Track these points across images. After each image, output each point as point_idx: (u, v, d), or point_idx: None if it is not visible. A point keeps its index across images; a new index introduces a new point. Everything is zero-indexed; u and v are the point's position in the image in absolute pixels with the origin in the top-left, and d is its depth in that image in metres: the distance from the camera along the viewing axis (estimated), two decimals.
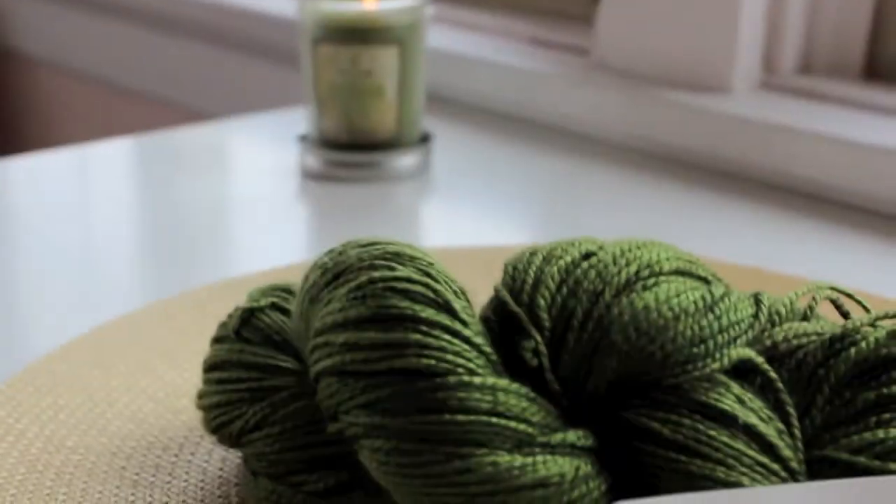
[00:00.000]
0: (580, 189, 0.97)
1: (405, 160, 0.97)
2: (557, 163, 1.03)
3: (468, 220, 0.91)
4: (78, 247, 0.85)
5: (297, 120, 1.08)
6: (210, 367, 0.51)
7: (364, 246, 0.46)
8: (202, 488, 0.53)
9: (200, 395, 0.51)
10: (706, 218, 0.90)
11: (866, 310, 0.46)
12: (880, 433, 0.42)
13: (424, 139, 0.99)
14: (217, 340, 0.52)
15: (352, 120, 0.95)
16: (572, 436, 0.41)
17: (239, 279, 0.74)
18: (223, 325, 0.52)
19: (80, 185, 1.00)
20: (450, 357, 0.41)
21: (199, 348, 0.54)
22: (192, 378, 0.61)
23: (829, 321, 0.46)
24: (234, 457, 0.55)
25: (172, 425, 0.58)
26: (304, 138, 1.00)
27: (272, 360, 0.49)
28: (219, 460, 0.55)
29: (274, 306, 0.52)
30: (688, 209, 0.91)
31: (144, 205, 0.95)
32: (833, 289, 0.47)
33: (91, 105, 1.65)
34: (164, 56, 1.51)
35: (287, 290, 0.53)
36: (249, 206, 0.94)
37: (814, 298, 0.47)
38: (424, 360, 0.40)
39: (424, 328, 0.41)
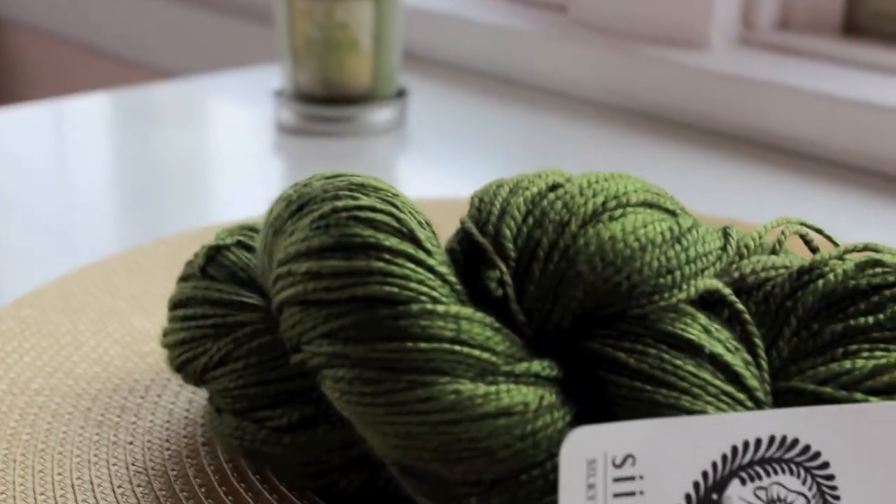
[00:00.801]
0: (556, 145, 0.96)
1: (381, 114, 0.96)
2: (534, 119, 1.02)
3: (443, 175, 0.90)
4: (53, 197, 0.84)
5: (275, 76, 1.07)
6: (175, 304, 0.50)
7: (329, 178, 0.45)
8: (168, 429, 0.52)
9: (165, 333, 0.50)
10: (682, 173, 0.89)
11: (835, 245, 0.46)
12: (847, 364, 0.41)
13: (400, 94, 0.98)
14: (183, 279, 0.51)
15: (327, 74, 0.94)
16: (537, 366, 0.41)
17: (210, 228, 0.73)
18: (189, 264, 0.52)
19: (56, 139, 0.99)
20: (413, 285, 0.40)
21: (169, 294, 0.54)
22: (160, 323, 0.60)
23: (797, 255, 0.46)
24: (200, 398, 0.55)
25: (139, 368, 0.57)
26: (279, 93, 0.99)
27: (237, 297, 0.48)
28: (185, 402, 0.54)
29: (240, 244, 0.51)
30: (665, 165, 0.90)
31: (120, 158, 0.94)
32: (803, 224, 0.47)
33: (65, 65, 1.63)
34: (139, 16, 1.49)
35: (253, 229, 0.52)
36: (225, 160, 0.93)
37: (783, 233, 0.46)
38: (387, 288, 0.40)
39: (387, 256, 0.41)
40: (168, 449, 0.51)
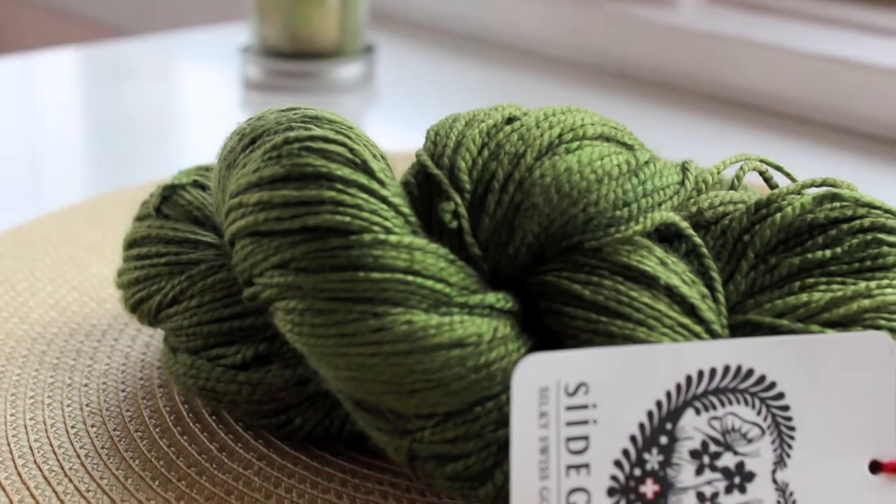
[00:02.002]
0: (525, 102, 0.95)
1: (348, 70, 0.95)
2: (502, 76, 1.01)
3: (412, 131, 0.89)
4: (20, 151, 0.83)
5: (243, 33, 1.06)
6: (129, 244, 0.50)
7: (283, 110, 0.44)
8: (123, 371, 0.52)
9: (119, 273, 0.50)
10: (652, 130, 0.89)
11: (794, 181, 0.45)
12: (803, 297, 0.41)
13: (368, 50, 0.97)
14: (138, 218, 0.51)
15: (294, 28, 0.93)
16: (492, 297, 0.40)
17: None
18: (145, 204, 0.51)
19: (24, 93, 0.98)
20: (365, 215, 0.40)
21: None
22: None
23: (756, 191, 0.46)
24: (158, 342, 0.54)
25: (96, 313, 0.57)
26: (246, 49, 0.98)
27: (192, 235, 0.48)
28: (142, 345, 0.54)
29: (196, 184, 0.50)
30: (634, 122, 0.89)
31: (88, 113, 0.93)
32: (762, 160, 0.46)
33: (35, 27, 1.61)
34: None
35: (210, 169, 0.51)
36: (192, 116, 0.92)
37: (741, 168, 0.46)
38: (339, 217, 0.39)
39: (340, 186, 0.40)
40: (123, 391, 0.50)
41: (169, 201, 0.50)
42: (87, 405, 0.49)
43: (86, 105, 0.95)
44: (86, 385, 0.50)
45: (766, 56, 0.91)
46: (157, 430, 0.47)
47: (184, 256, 0.47)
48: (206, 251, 0.47)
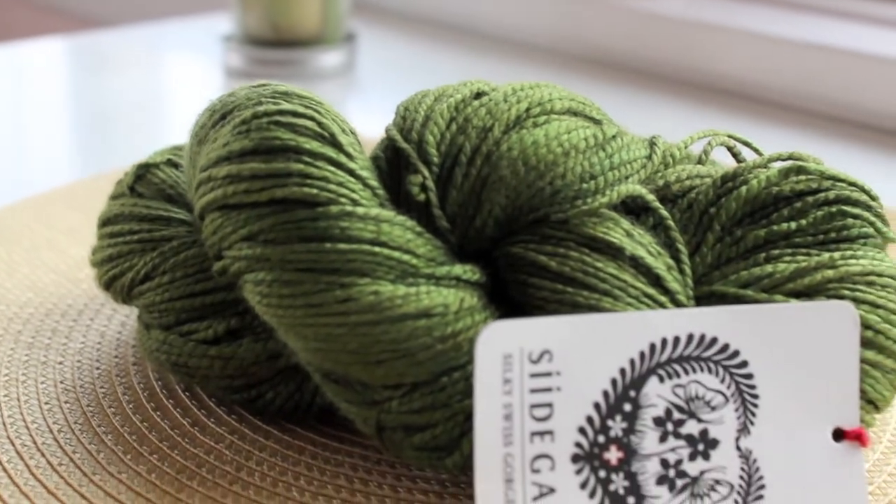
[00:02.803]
0: None
1: (329, 58, 0.96)
2: (484, 65, 1.02)
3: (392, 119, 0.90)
4: (5, 138, 0.84)
5: (226, 23, 1.06)
6: (103, 222, 0.50)
7: (254, 87, 0.45)
8: (99, 350, 0.52)
9: (94, 251, 0.50)
10: (633, 117, 0.89)
11: (760, 156, 0.46)
12: (768, 268, 0.42)
13: (349, 38, 0.97)
14: (112, 197, 0.51)
15: (275, 17, 0.94)
16: (458, 269, 0.40)
17: None
18: (119, 183, 0.51)
19: (9, 82, 0.98)
20: (333, 187, 0.40)
21: None
22: None
23: (723, 166, 0.46)
24: (133, 321, 0.54)
25: (73, 294, 0.57)
26: (228, 38, 0.98)
27: (164, 212, 0.48)
28: (118, 325, 0.54)
29: (169, 162, 0.51)
30: (615, 110, 0.90)
31: (70, 102, 0.94)
32: (730, 136, 0.47)
33: (20, 21, 1.61)
34: None
35: (183, 148, 0.52)
36: (173, 104, 0.93)
37: (709, 143, 0.46)
38: (306, 189, 0.40)
39: (307, 159, 0.40)
40: (98, 368, 0.50)
41: (143, 180, 0.50)
42: (61, 382, 0.49)
43: (70, 94, 0.95)
44: (60, 363, 0.51)
45: (746, 43, 0.91)
46: (131, 406, 0.47)
47: (156, 233, 0.47)
48: (179, 228, 0.47)
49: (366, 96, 0.94)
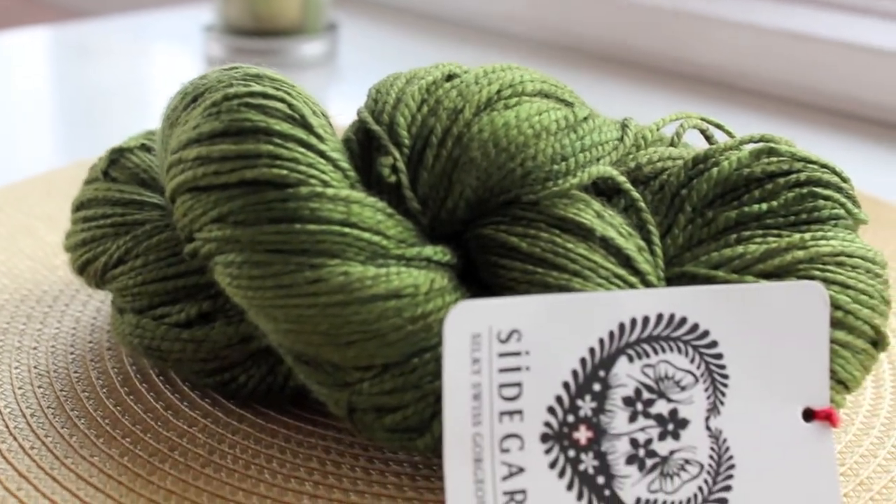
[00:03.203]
0: None
1: (311, 48, 0.95)
2: (464, 54, 1.02)
3: None
4: None
5: (208, 14, 1.06)
6: (77, 206, 0.50)
7: (226, 69, 0.45)
8: (73, 335, 0.52)
9: (68, 236, 0.50)
10: (613, 107, 0.89)
11: (732, 138, 0.46)
12: (739, 249, 0.42)
13: (331, 27, 0.97)
14: (87, 182, 0.51)
15: (256, 6, 0.94)
16: (429, 250, 0.40)
17: None
18: (93, 168, 0.51)
19: None
20: (302, 168, 0.40)
21: None
22: None
23: (695, 148, 0.46)
24: (108, 307, 0.54)
25: (48, 280, 0.57)
26: (209, 28, 0.98)
27: (137, 197, 0.48)
28: (93, 311, 0.54)
29: (143, 147, 0.51)
30: (595, 99, 0.90)
31: (52, 92, 0.93)
32: (703, 118, 0.47)
33: (2, 12, 1.61)
34: None
35: None
36: (155, 93, 0.92)
37: (681, 126, 0.46)
38: (276, 171, 0.40)
39: (277, 140, 0.40)
40: (72, 353, 0.50)
41: (116, 164, 0.50)
42: (34, 367, 0.49)
43: (53, 83, 0.95)
44: (34, 348, 0.50)
45: (726, 31, 0.91)
46: (104, 390, 0.47)
47: (129, 217, 0.47)
48: (152, 212, 0.47)
49: (347, 86, 0.94)
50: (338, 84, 0.95)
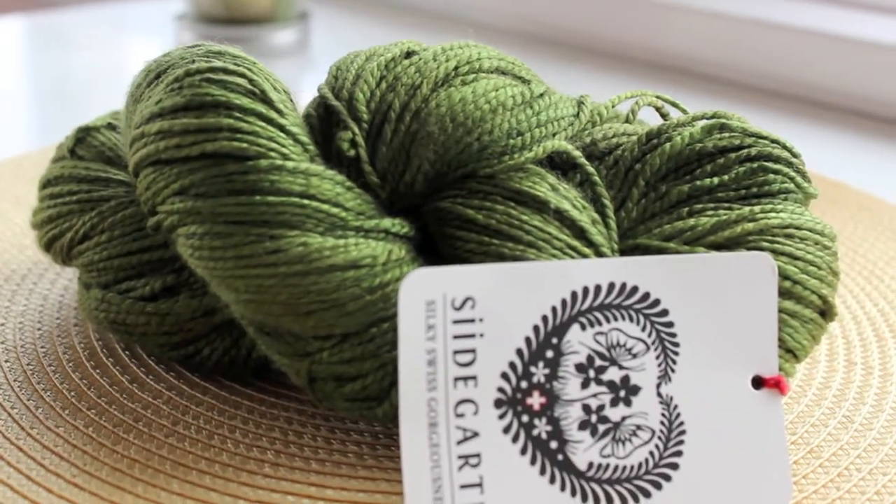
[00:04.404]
0: None
1: (283, 36, 0.96)
2: (436, 43, 1.02)
3: None
4: None
5: (180, 3, 1.06)
6: (44, 184, 0.50)
7: (189, 47, 0.45)
8: (41, 312, 0.52)
9: (34, 213, 0.50)
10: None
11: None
12: (690, 221, 0.43)
13: (303, 16, 0.98)
14: (54, 160, 0.51)
15: None
16: (387, 222, 0.41)
17: None
18: (60, 146, 0.52)
19: None
20: (262, 141, 0.41)
21: None
22: None
23: (649, 125, 0.47)
24: (76, 285, 0.55)
25: (17, 259, 0.57)
26: (181, 17, 0.98)
27: (103, 174, 0.49)
28: (61, 289, 0.55)
29: (109, 126, 0.51)
30: (570, 89, 0.91)
31: (23, 80, 0.94)
32: (658, 96, 0.48)
33: None
34: None
35: None
36: (125, 81, 0.93)
37: (636, 103, 0.47)
38: (236, 144, 0.40)
39: (238, 114, 0.41)
40: (39, 329, 0.51)
41: (83, 143, 0.50)
42: (1, 342, 0.49)
43: (26, 72, 0.96)
44: (1, 324, 0.51)
45: (693, 19, 0.93)
46: (70, 364, 0.48)
47: (95, 194, 0.48)
48: (118, 188, 0.48)
49: (320, 74, 0.94)
50: (310, 72, 0.95)
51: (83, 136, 0.51)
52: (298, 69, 0.96)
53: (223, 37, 0.93)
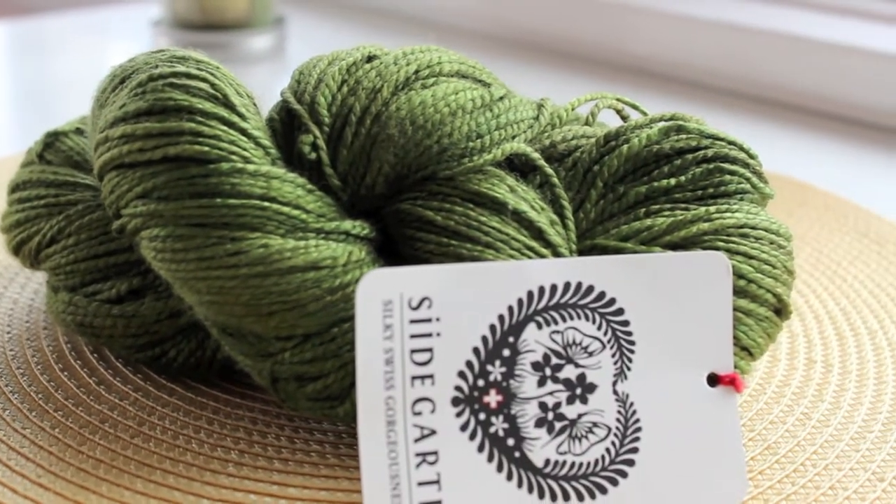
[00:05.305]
0: None
1: (259, 41, 0.97)
2: None
3: None
4: None
5: (157, 9, 1.07)
6: (12, 188, 0.51)
7: (154, 52, 0.46)
8: (10, 315, 0.53)
9: (3, 217, 0.51)
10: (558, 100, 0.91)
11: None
12: (647, 222, 0.43)
13: (279, 21, 0.98)
14: (23, 165, 0.52)
15: (203, 0, 0.95)
16: (348, 224, 0.42)
17: None
18: (29, 151, 0.52)
19: None
20: (224, 145, 0.41)
21: None
22: None
23: (608, 126, 0.48)
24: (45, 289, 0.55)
25: None
26: (157, 22, 0.99)
27: (71, 178, 0.49)
28: (31, 293, 0.55)
29: (78, 131, 0.52)
30: (541, 92, 0.92)
31: (4, 83, 0.94)
32: (618, 99, 0.48)
33: None
34: None
35: None
36: None
37: (596, 105, 0.48)
38: (198, 147, 0.41)
39: (200, 118, 0.42)
40: (8, 332, 0.51)
41: (51, 147, 0.51)
42: None
43: (3, 78, 0.96)
44: None
45: (664, 23, 0.93)
46: (39, 367, 0.49)
47: (62, 198, 0.48)
48: (85, 192, 0.48)
49: None
50: (286, 77, 0.96)
51: (52, 140, 0.51)
52: (274, 74, 0.96)
53: (199, 42, 0.94)
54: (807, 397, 0.48)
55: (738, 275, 0.42)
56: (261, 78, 0.95)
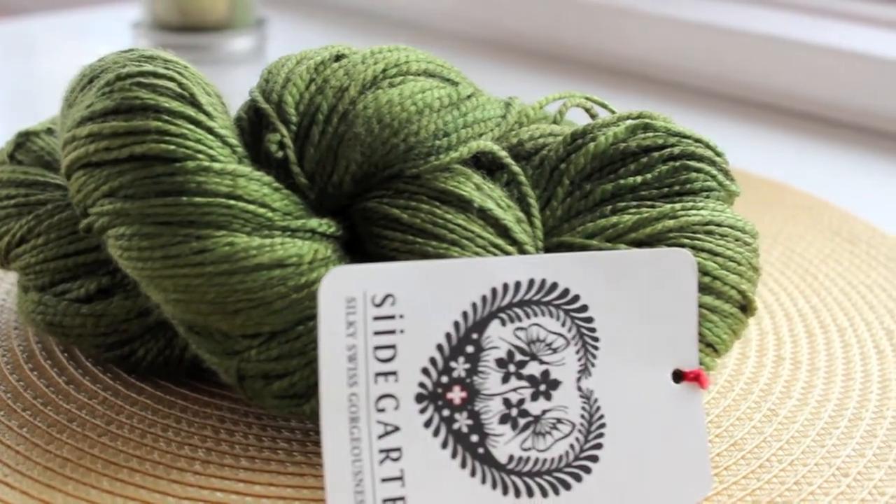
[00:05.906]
0: None
1: (239, 43, 0.97)
2: None
3: None
4: None
5: (137, 12, 1.07)
6: None
7: (123, 52, 0.46)
8: None
9: None
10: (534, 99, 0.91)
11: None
12: (613, 219, 0.43)
13: (259, 23, 0.99)
14: None
15: (183, 2, 0.95)
16: (314, 222, 0.42)
17: None
18: (1, 151, 0.52)
19: None
20: (190, 144, 0.41)
21: None
22: None
23: (577, 125, 0.48)
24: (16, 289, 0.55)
25: None
26: (138, 24, 0.99)
27: (41, 178, 0.49)
28: (3, 293, 0.55)
29: (49, 131, 0.52)
30: (526, 94, 0.92)
31: None
32: (587, 97, 0.49)
33: None
34: None
35: None
36: None
37: (564, 104, 0.48)
38: (164, 146, 0.41)
39: (166, 117, 0.42)
40: None
41: (22, 148, 0.51)
42: None
43: None
44: None
45: (647, 24, 0.94)
46: (8, 367, 0.49)
47: (32, 198, 0.48)
48: (55, 192, 0.48)
49: None
50: None
51: (23, 140, 0.51)
52: (255, 76, 0.96)
53: (180, 44, 0.94)
54: (774, 394, 0.48)
55: (703, 272, 0.43)
56: (241, 79, 0.95)
